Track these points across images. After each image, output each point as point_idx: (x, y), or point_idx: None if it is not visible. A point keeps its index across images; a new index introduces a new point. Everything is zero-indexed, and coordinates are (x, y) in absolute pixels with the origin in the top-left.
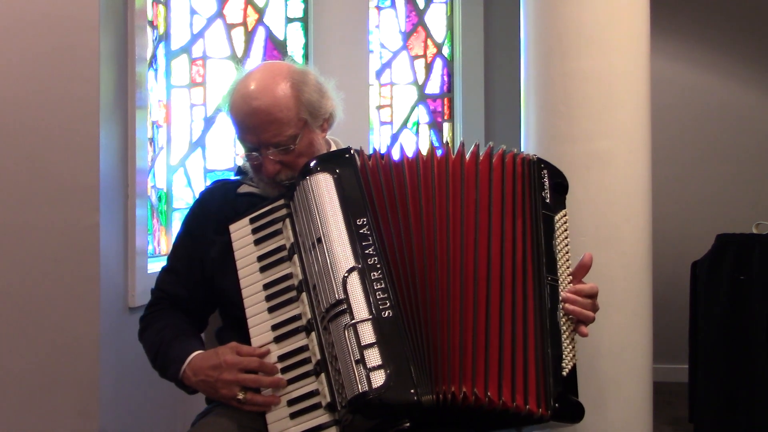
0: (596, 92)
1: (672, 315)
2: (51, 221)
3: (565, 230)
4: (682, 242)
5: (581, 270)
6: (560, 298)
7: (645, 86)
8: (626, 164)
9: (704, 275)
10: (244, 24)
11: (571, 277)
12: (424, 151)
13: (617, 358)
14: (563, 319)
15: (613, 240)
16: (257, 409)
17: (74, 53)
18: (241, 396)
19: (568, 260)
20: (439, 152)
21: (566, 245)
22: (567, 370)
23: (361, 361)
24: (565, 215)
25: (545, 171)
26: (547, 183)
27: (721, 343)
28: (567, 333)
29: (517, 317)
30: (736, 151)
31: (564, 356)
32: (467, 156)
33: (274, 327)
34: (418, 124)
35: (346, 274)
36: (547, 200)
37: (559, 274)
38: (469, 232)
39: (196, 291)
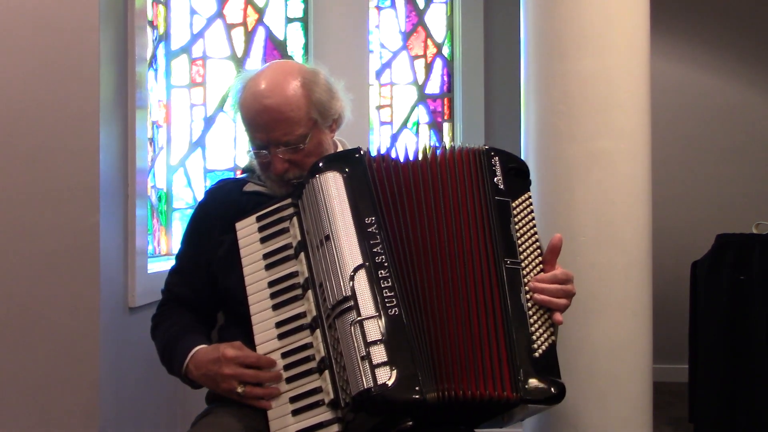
0: (596, 92)
1: (672, 315)
2: (51, 221)
3: (529, 214)
4: (682, 242)
5: (551, 253)
6: (523, 280)
7: (645, 86)
8: (626, 164)
9: (704, 275)
10: (244, 24)
11: (540, 258)
12: (412, 152)
13: (617, 358)
14: (531, 302)
15: (613, 240)
16: (257, 404)
17: (74, 53)
18: (240, 390)
19: (535, 241)
20: (430, 151)
21: (531, 228)
22: (540, 351)
23: (367, 357)
24: (527, 200)
25: (496, 158)
26: (498, 170)
27: (721, 343)
28: (537, 314)
29: (488, 304)
30: (736, 151)
31: (536, 338)
32: (438, 157)
33: (278, 324)
34: (418, 124)
35: (353, 272)
36: (500, 186)
37: (523, 258)
38: (448, 229)
39: (201, 290)
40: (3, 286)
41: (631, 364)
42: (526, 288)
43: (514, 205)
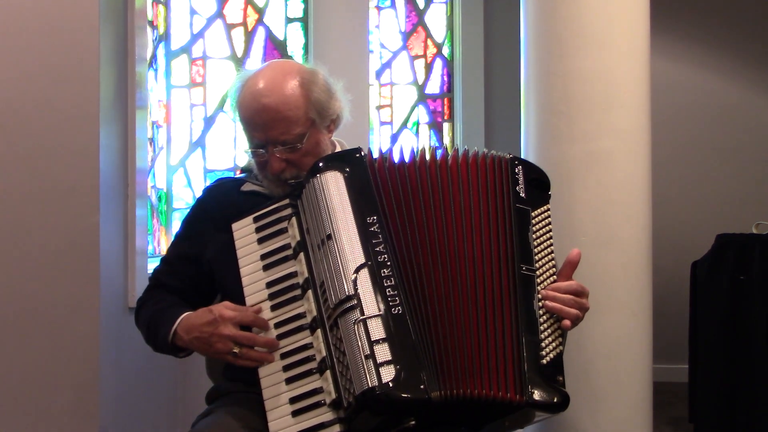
0: (596, 92)
1: (672, 315)
2: (51, 221)
3: (547, 225)
4: (682, 242)
5: (568, 267)
6: (537, 288)
7: (645, 86)
8: (626, 164)
9: (704, 275)
10: (244, 24)
11: (553, 269)
12: (419, 153)
13: (617, 358)
14: (542, 310)
15: (613, 240)
16: (253, 364)
17: (74, 53)
18: (236, 350)
19: (550, 253)
20: (438, 152)
21: (548, 239)
22: (548, 358)
23: (371, 356)
24: (545, 211)
25: (519, 167)
26: (521, 179)
27: (721, 343)
28: (548, 323)
29: (497, 307)
30: (736, 151)
31: (545, 345)
32: (449, 160)
33: (277, 325)
34: (418, 124)
35: (356, 271)
36: (522, 194)
37: (537, 267)
38: (458, 231)
39: (188, 283)
40: (3, 286)
41: (631, 364)
42: (539, 295)
43: (533, 214)
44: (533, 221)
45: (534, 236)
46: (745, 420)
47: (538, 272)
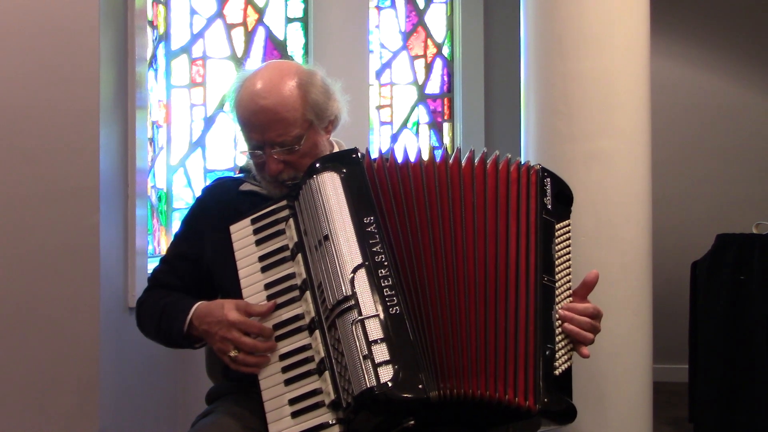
0: (596, 92)
1: (672, 315)
2: (51, 221)
3: (567, 240)
4: (682, 242)
5: (584, 288)
6: (555, 299)
7: (645, 86)
8: (626, 164)
9: (704, 275)
10: (244, 24)
11: (569, 284)
12: (426, 154)
13: (617, 358)
14: (558, 321)
15: (613, 240)
16: (247, 370)
17: (74, 53)
18: (233, 354)
19: (568, 267)
20: (438, 153)
21: (567, 254)
22: (560, 370)
23: (369, 356)
24: (567, 226)
25: (548, 179)
26: (549, 191)
27: (721, 343)
28: (562, 336)
29: (509, 313)
30: (736, 151)
31: (558, 356)
32: (463, 162)
33: (276, 326)
34: (418, 124)
35: (353, 271)
36: (549, 206)
37: (556, 278)
38: (468, 232)
39: (188, 284)
40: (3, 286)
41: (631, 364)
42: (557, 307)
43: (557, 227)
44: (556, 234)
45: (556, 249)
46: (745, 420)
47: (557, 284)
